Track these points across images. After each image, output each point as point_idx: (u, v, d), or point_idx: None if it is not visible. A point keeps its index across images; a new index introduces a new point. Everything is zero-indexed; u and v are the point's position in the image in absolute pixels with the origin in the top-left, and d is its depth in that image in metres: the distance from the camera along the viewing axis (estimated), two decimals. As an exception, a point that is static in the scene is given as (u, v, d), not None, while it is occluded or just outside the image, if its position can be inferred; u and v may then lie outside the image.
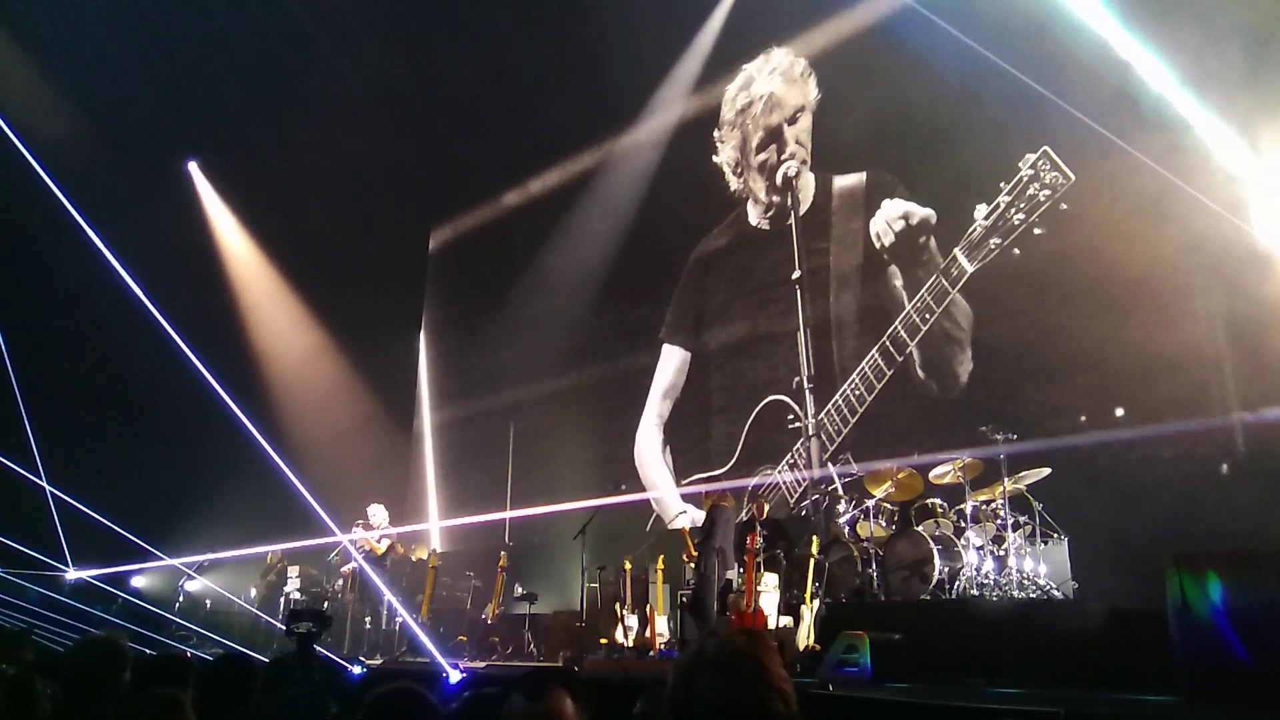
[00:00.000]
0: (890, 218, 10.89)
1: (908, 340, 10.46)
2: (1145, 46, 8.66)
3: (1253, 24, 7.99)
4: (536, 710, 2.50)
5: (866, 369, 10.78)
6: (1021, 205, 9.61)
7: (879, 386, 10.66)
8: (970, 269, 10.01)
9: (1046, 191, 9.46)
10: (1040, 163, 9.51)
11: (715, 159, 13.03)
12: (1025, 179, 9.61)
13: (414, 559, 12.86)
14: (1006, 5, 9.46)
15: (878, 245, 10.98)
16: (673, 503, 12.67)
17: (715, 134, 13.09)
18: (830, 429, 10.96)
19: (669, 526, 12.38)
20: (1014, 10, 9.38)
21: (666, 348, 13.43)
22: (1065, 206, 9.36)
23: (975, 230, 9.97)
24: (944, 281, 10.21)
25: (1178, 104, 8.49)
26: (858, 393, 10.81)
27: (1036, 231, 9.53)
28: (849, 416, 10.84)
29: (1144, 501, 8.40)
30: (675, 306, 13.45)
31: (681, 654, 2.44)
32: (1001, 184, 9.77)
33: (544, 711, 2.50)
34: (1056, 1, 9.18)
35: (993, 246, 9.81)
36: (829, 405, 11.03)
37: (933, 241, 10.48)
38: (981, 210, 9.91)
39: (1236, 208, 8.08)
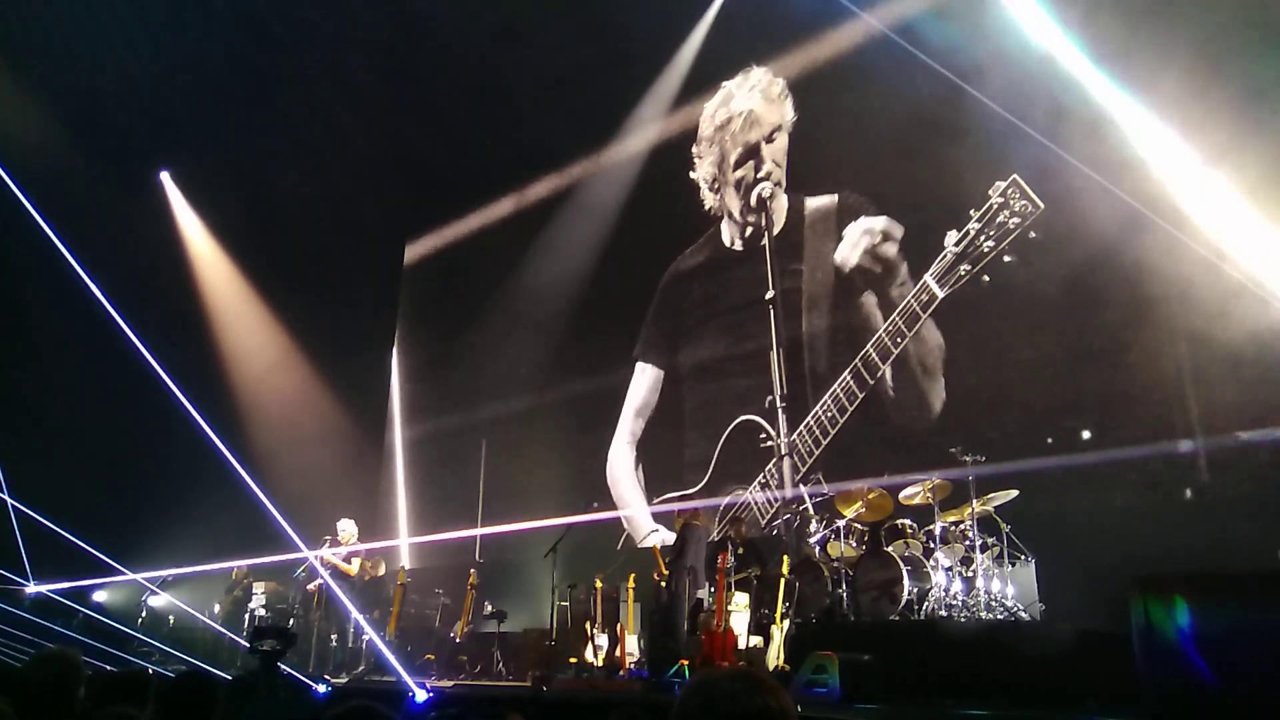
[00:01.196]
0: (854, 238, 10.99)
1: (879, 363, 10.53)
2: (1113, 79, 8.82)
3: (1220, 58, 8.14)
4: None
5: (839, 391, 10.83)
6: (991, 233, 9.73)
7: (850, 408, 10.71)
8: (941, 294, 10.11)
9: (1016, 219, 9.58)
10: (1010, 191, 9.64)
11: (692, 175, 13.08)
12: (995, 207, 9.72)
13: (374, 575, 12.64)
14: (981, 36, 9.61)
15: (846, 271, 11.07)
16: (644, 521, 12.64)
17: (693, 149, 13.14)
18: (803, 449, 10.99)
19: (639, 545, 12.35)
20: (987, 41, 9.54)
21: (640, 365, 13.44)
22: (1035, 235, 9.47)
23: (946, 256, 10.07)
24: (915, 306, 10.30)
25: (1145, 134, 8.65)
26: (830, 414, 10.86)
27: (1006, 259, 9.64)
28: (821, 438, 10.89)
29: (1109, 524, 8.50)
30: (649, 325, 13.46)
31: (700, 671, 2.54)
32: (972, 211, 9.89)
33: None
34: (1026, 33, 9.36)
35: (963, 273, 9.91)
36: (801, 426, 11.07)
37: (904, 266, 10.56)
38: (952, 237, 10.01)
39: (1199, 235, 8.22)
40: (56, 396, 13.53)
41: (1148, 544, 7.89)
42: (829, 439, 10.82)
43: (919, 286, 10.29)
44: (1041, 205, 9.43)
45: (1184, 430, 8.44)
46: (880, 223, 10.84)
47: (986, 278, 9.79)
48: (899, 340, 10.39)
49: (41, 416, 13.07)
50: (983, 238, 9.79)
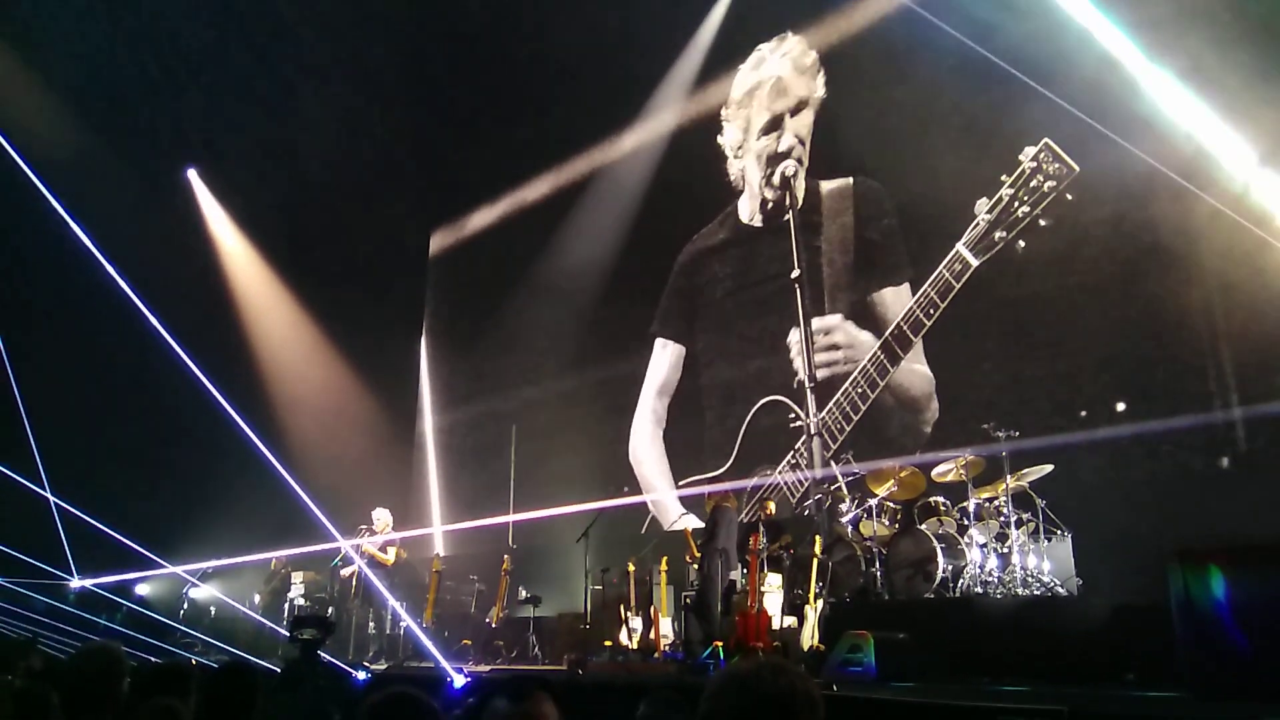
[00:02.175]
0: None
1: (911, 336, 10.42)
2: (1140, 45, 8.66)
3: (1256, 25, 7.95)
4: (517, 712, 2.59)
5: (869, 367, 10.75)
6: (1026, 197, 9.54)
7: (881, 384, 10.62)
8: (975, 263, 9.92)
9: (1051, 182, 9.39)
10: (1042, 155, 9.46)
11: (719, 139, 12.92)
12: (1028, 171, 9.55)
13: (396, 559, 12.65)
14: (1003, 5, 9.44)
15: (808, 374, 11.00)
16: (672, 504, 12.63)
17: (722, 113, 12.93)
18: (834, 427, 10.92)
19: (667, 529, 12.36)
20: (1008, 7, 9.37)
21: (659, 342, 13.37)
22: (1071, 197, 9.29)
23: (978, 224, 9.91)
24: (948, 275, 10.16)
25: (1173, 100, 8.49)
26: (860, 390, 10.78)
27: (1042, 223, 9.47)
28: (851, 414, 10.81)
29: (1146, 496, 8.40)
30: (666, 300, 13.38)
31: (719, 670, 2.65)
32: (1003, 177, 9.73)
33: (525, 713, 2.57)
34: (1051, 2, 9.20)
35: (998, 239, 9.75)
36: (830, 404, 10.99)
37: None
38: (983, 204, 9.86)
39: (1233, 201, 8.06)
40: (94, 395, 13.72)
41: (1185, 515, 7.80)
42: (859, 416, 10.74)
43: (951, 256, 10.13)
44: (1076, 168, 9.24)
45: (1220, 398, 8.31)
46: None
47: (1021, 244, 9.60)
48: (931, 312, 10.25)
49: (81, 415, 13.27)
50: (1017, 203, 9.61)
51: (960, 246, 10.06)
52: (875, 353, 10.72)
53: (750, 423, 11.90)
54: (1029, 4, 9.29)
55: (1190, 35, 8.22)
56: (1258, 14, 8.00)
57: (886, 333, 10.65)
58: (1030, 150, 9.54)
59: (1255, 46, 7.82)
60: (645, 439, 13.35)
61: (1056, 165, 9.38)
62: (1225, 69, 7.94)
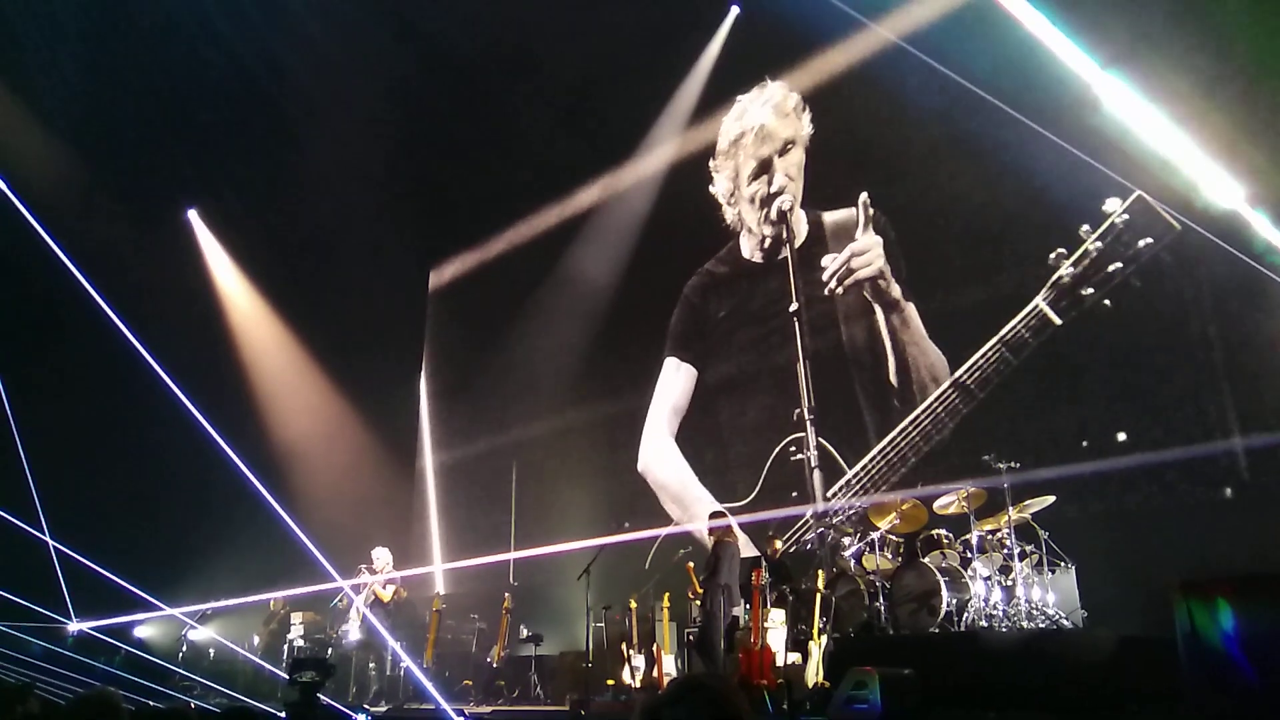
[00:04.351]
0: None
1: (977, 393, 9.90)
2: (1133, 88, 8.74)
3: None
4: None
5: (940, 411, 10.17)
6: (1117, 253, 8.86)
7: (937, 437, 10.13)
8: (1059, 322, 9.30)
9: (1147, 240, 8.71)
10: (1135, 207, 8.76)
11: (711, 189, 13.06)
12: (1119, 225, 8.85)
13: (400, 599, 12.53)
14: (998, 45, 9.50)
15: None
16: (699, 498, 12.44)
17: (710, 164, 13.12)
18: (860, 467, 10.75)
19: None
20: (1005, 50, 9.42)
21: (674, 362, 13.27)
22: (1169, 258, 8.69)
23: (1061, 280, 9.18)
24: (1024, 333, 9.53)
25: (1157, 134, 8.56)
26: (923, 430, 10.31)
27: (1136, 284, 8.84)
28: (921, 448, 10.33)
29: (1149, 527, 8.38)
30: (678, 325, 13.36)
31: (647, 695, 2.52)
32: (1084, 228, 9.05)
33: None
34: (1044, 45, 9.26)
35: (1085, 297, 9.12)
36: (886, 444, 10.57)
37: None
38: (1061, 257, 9.22)
39: (1232, 235, 8.11)
40: (93, 437, 13.70)
41: (1189, 546, 7.77)
42: (896, 456, 10.41)
43: (1029, 311, 9.48)
44: (1178, 225, 8.44)
45: (1221, 429, 8.30)
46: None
47: (1109, 302, 8.98)
48: (1002, 369, 9.68)
49: (78, 457, 13.24)
50: (1106, 259, 8.92)
51: (1041, 303, 9.40)
52: (947, 394, 10.20)
53: (771, 457, 11.75)
54: (1022, 45, 9.37)
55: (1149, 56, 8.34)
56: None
57: (946, 385, 10.15)
58: (1116, 202, 8.83)
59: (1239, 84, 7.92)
60: (667, 449, 13.17)
61: (1153, 221, 8.62)
62: (1210, 108, 8.02)
